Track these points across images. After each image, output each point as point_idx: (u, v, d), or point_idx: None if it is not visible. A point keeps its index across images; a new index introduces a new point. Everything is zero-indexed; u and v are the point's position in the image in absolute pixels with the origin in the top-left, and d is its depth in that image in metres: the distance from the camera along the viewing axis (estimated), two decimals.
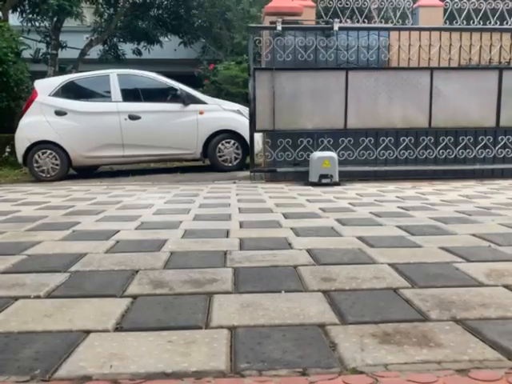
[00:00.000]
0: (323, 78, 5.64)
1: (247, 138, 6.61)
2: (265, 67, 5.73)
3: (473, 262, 1.89)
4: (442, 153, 5.84)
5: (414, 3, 6.26)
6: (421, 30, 5.79)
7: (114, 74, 7.20)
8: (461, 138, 5.83)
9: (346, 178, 5.49)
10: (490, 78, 5.71)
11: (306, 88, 5.64)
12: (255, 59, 5.76)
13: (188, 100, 7.04)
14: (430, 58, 5.72)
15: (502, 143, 5.88)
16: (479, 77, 5.72)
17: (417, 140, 5.82)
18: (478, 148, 5.85)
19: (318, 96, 5.65)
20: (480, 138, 5.85)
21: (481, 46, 5.78)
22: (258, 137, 6.36)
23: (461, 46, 5.74)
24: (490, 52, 5.81)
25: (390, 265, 1.86)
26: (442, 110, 5.71)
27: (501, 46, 5.81)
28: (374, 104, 5.70)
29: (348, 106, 5.66)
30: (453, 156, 5.84)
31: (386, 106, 5.71)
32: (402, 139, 5.79)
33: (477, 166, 5.85)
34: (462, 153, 5.84)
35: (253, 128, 5.73)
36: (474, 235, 2.38)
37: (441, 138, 5.82)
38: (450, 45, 5.75)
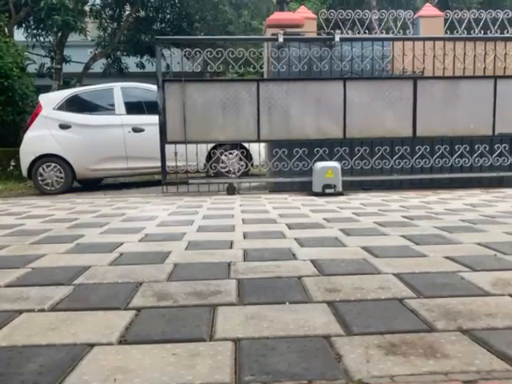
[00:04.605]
0: (234, 88, 5.51)
1: (250, 148, 6.64)
2: (174, 78, 5.55)
3: (478, 271, 1.88)
4: (358, 163, 5.69)
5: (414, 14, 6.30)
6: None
7: (117, 87, 7.27)
8: (377, 148, 5.69)
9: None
10: (404, 87, 5.58)
11: (218, 99, 5.51)
12: (164, 70, 5.61)
13: None
14: (341, 69, 5.65)
15: (420, 153, 5.70)
16: (394, 86, 5.58)
17: (331, 150, 5.67)
18: (394, 158, 5.69)
19: (230, 107, 5.52)
20: (397, 149, 5.71)
21: (393, 56, 5.69)
22: (256, 147, 6.32)
23: (373, 57, 5.67)
24: (403, 62, 5.68)
25: (395, 275, 1.85)
26: (357, 120, 5.57)
27: (413, 56, 5.67)
28: (287, 115, 5.57)
29: (260, 117, 5.54)
30: (369, 166, 5.69)
31: (300, 117, 5.58)
32: (315, 150, 5.64)
33: (394, 177, 5.71)
34: (379, 163, 5.69)
35: (164, 140, 5.56)
36: (479, 244, 2.37)
37: (356, 149, 5.68)
38: (362, 55, 5.69)
